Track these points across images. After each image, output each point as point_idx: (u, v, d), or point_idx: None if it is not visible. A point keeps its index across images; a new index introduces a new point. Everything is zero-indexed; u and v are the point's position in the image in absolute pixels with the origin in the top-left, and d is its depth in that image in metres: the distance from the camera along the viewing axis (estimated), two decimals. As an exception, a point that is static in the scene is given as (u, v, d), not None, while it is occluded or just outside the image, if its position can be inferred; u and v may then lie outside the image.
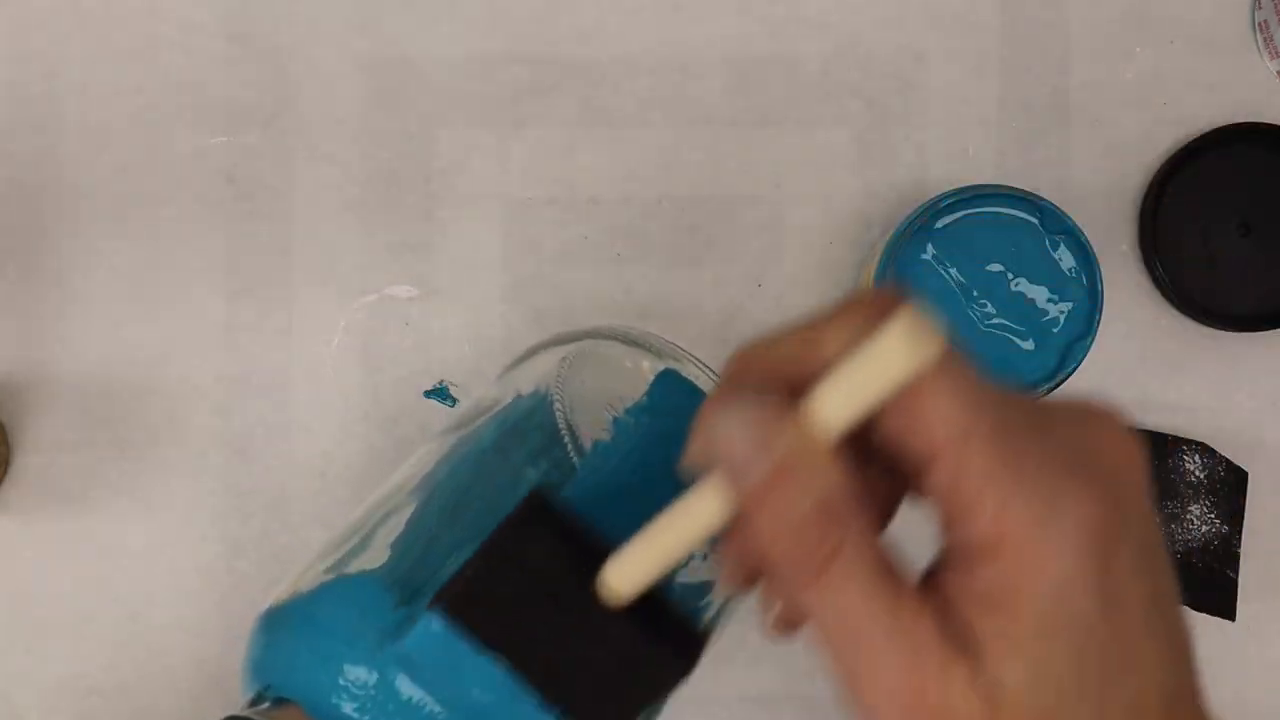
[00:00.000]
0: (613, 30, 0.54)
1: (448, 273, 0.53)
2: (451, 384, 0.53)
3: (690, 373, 0.42)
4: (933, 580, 0.27)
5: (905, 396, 0.25)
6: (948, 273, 0.47)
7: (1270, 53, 0.53)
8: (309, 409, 0.53)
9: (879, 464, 0.27)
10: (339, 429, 0.53)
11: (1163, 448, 0.53)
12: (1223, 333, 0.53)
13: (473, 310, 0.53)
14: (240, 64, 0.53)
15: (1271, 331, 0.53)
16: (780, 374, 0.27)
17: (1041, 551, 0.24)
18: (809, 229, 0.54)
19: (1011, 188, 0.47)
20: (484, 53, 0.54)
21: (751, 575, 0.29)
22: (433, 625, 0.32)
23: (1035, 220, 0.47)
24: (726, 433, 0.25)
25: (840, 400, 0.25)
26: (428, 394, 0.53)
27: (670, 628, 0.31)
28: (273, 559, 0.53)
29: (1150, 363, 0.54)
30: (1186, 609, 0.53)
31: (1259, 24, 0.54)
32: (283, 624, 0.36)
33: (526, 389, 0.42)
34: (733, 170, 0.54)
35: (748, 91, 0.54)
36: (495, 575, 0.31)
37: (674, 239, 0.53)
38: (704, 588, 0.38)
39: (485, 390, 0.44)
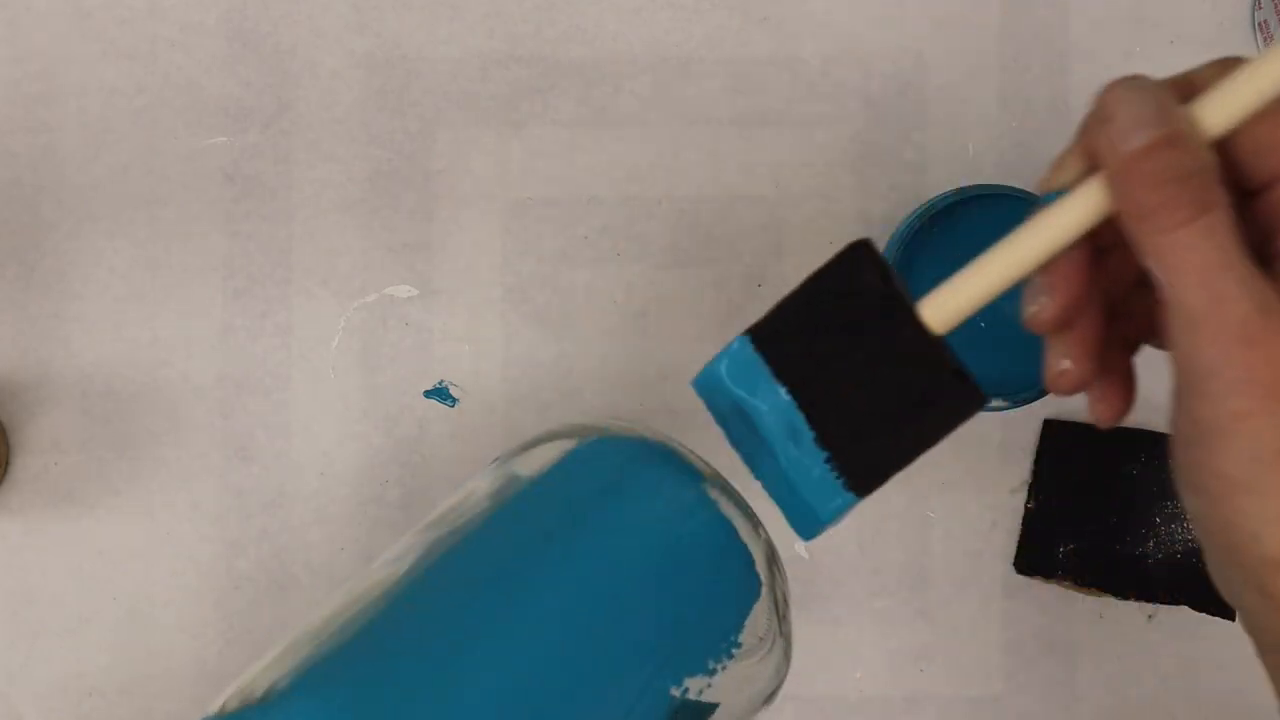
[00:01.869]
0: (613, 30, 0.54)
1: (448, 273, 0.53)
2: (451, 384, 0.53)
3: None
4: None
5: (1272, 116, 0.28)
6: (948, 273, 0.47)
7: (1270, 53, 0.53)
8: (309, 409, 0.53)
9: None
10: (339, 429, 0.53)
11: (1163, 447, 0.53)
12: (1223, 333, 0.53)
13: (473, 310, 0.53)
14: (240, 64, 0.53)
15: (1271, 331, 0.53)
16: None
17: None
18: (809, 229, 0.54)
19: (1011, 188, 0.47)
20: (484, 53, 0.54)
21: (1066, 312, 0.31)
22: (737, 351, 0.34)
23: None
24: (1133, 96, 0.29)
25: (1225, 105, 0.29)
26: (428, 394, 0.53)
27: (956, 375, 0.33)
28: (273, 559, 0.53)
29: (1150, 362, 0.53)
30: (1186, 609, 0.53)
31: (1259, 24, 0.54)
32: None
33: (528, 473, 0.42)
34: (733, 170, 0.54)
35: (748, 91, 0.54)
36: (806, 310, 0.33)
37: (674, 239, 0.53)
38: None
39: (471, 485, 0.43)
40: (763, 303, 0.53)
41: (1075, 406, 0.53)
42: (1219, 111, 0.29)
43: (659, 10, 0.54)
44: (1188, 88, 0.30)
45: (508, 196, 0.53)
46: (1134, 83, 0.29)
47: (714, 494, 0.41)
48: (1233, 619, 0.53)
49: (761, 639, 0.40)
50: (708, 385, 0.35)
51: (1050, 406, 0.53)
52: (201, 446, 0.53)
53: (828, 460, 0.34)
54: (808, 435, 0.34)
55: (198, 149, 0.53)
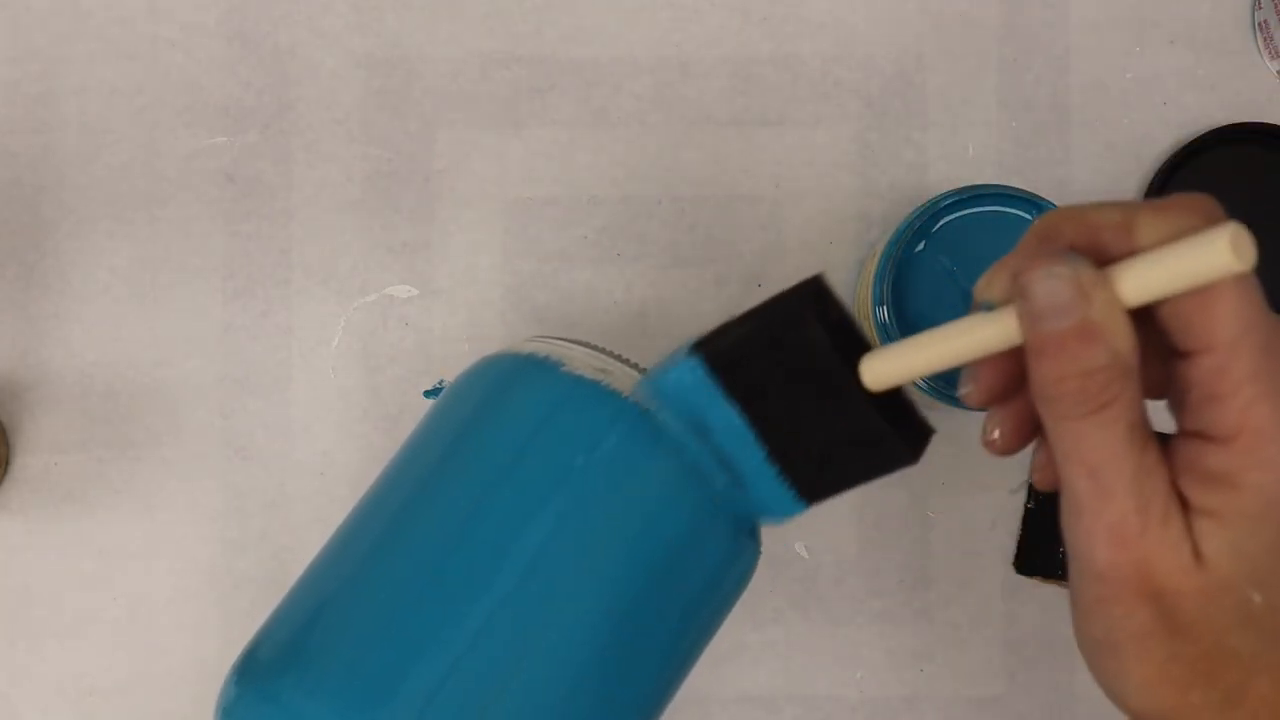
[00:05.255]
0: (613, 30, 0.54)
1: (448, 273, 0.53)
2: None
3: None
4: (1167, 446, 0.30)
5: (1200, 292, 0.28)
6: (948, 273, 0.47)
7: (1270, 53, 0.53)
8: (309, 409, 0.53)
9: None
10: (339, 429, 0.53)
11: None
12: (1223, 333, 0.53)
13: (473, 310, 0.53)
14: (240, 64, 0.53)
15: (1271, 331, 0.53)
16: (1088, 244, 0.30)
17: (1272, 451, 0.28)
18: (809, 229, 0.54)
19: (1011, 188, 0.47)
20: (484, 53, 0.54)
21: (994, 398, 0.32)
22: (690, 370, 0.36)
23: (1035, 220, 0.47)
24: (1049, 284, 0.29)
25: (1150, 281, 0.28)
26: (428, 394, 0.53)
27: (902, 418, 0.35)
28: (273, 559, 0.53)
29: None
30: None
31: (1259, 24, 0.54)
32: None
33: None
34: (733, 170, 0.54)
35: (748, 91, 0.54)
36: (754, 342, 0.35)
37: (674, 239, 0.53)
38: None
39: None
40: (763, 303, 0.53)
41: (1075, 406, 0.53)
42: (1137, 286, 0.29)
43: (659, 10, 0.54)
44: (1125, 228, 0.29)
45: (508, 196, 0.53)
46: (1052, 265, 0.29)
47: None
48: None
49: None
50: (657, 392, 0.37)
51: (1050, 406, 0.53)
52: (201, 446, 0.53)
53: (777, 475, 0.36)
54: (758, 453, 0.36)
55: (198, 149, 0.53)
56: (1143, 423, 0.29)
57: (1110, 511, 0.29)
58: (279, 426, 0.53)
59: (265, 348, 0.53)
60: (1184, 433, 0.30)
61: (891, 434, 0.34)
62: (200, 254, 0.53)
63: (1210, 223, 0.28)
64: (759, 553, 0.42)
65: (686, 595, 0.40)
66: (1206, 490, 0.29)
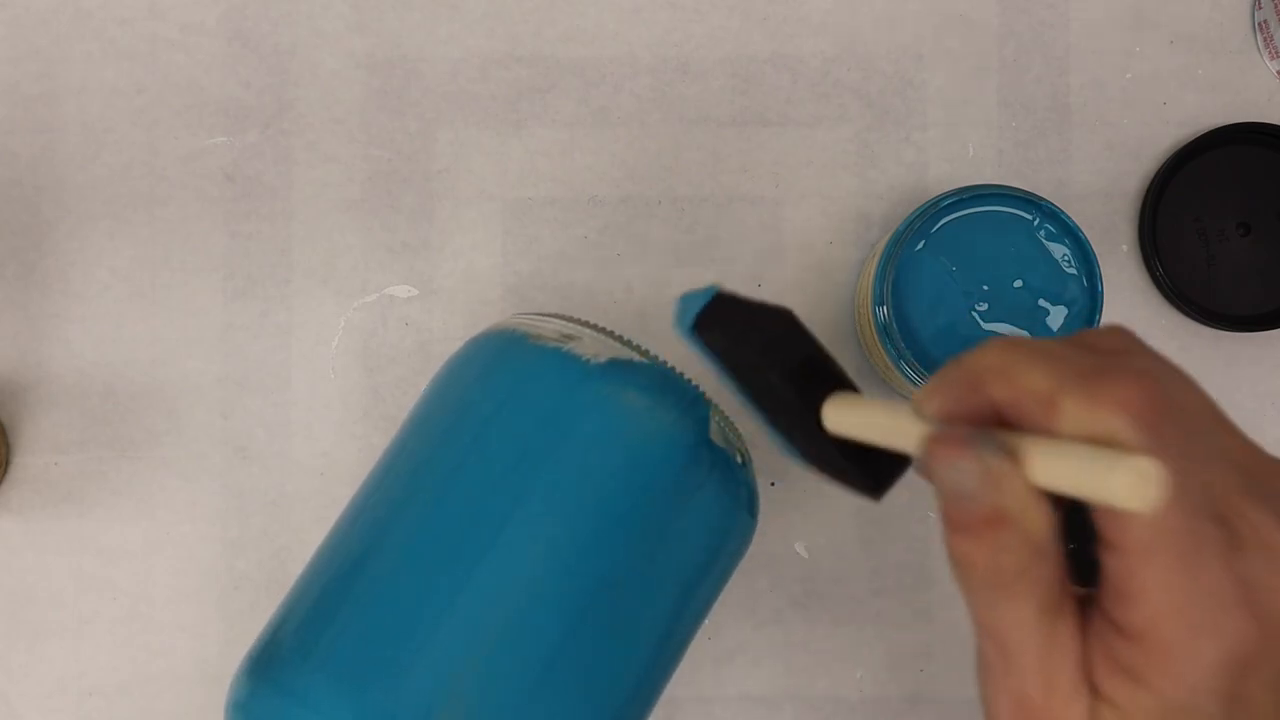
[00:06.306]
0: (613, 30, 0.54)
1: (448, 273, 0.53)
2: (451, 384, 0.53)
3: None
4: (1091, 612, 0.29)
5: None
6: (948, 273, 0.47)
7: (1270, 53, 0.53)
8: (309, 409, 0.53)
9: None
10: (339, 429, 0.53)
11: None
12: (1223, 333, 0.53)
13: (473, 310, 0.53)
14: (240, 64, 0.53)
15: (1271, 331, 0.53)
16: (1011, 406, 0.29)
17: (1178, 660, 0.27)
18: (809, 229, 0.54)
19: (1011, 188, 0.47)
20: (484, 53, 0.54)
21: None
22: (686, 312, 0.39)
23: (1035, 220, 0.47)
24: (958, 474, 0.29)
25: (1056, 478, 0.27)
26: (428, 394, 0.53)
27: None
28: (273, 559, 0.53)
29: (1150, 363, 0.54)
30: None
31: (1259, 24, 0.54)
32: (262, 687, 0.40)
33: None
34: (733, 170, 0.54)
35: (748, 91, 0.54)
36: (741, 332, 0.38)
37: (674, 239, 0.53)
38: None
39: None
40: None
41: (1075, 406, 0.53)
42: (1046, 477, 0.27)
43: (659, 10, 0.54)
44: (1049, 403, 0.28)
45: (508, 196, 0.53)
46: (960, 458, 0.29)
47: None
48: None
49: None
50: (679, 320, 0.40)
51: (1050, 406, 0.53)
52: (201, 446, 0.53)
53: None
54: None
55: (198, 149, 0.53)
56: (1057, 596, 0.29)
57: (1014, 682, 0.29)
58: (279, 426, 0.53)
59: (265, 348, 0.53)
60: (1103, 611, 0.29)
61: (851, 471, 0.34)
62: (200, 254, 0.53)
63: (1136, 431, 0.27)
64: (754, 520, 0.43)
65: (673, 554, 0.41)
66: (1114, 679, 0.28)
